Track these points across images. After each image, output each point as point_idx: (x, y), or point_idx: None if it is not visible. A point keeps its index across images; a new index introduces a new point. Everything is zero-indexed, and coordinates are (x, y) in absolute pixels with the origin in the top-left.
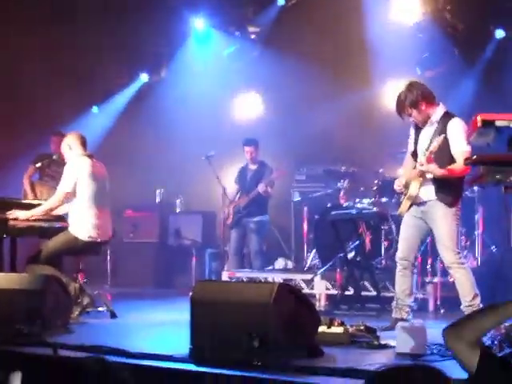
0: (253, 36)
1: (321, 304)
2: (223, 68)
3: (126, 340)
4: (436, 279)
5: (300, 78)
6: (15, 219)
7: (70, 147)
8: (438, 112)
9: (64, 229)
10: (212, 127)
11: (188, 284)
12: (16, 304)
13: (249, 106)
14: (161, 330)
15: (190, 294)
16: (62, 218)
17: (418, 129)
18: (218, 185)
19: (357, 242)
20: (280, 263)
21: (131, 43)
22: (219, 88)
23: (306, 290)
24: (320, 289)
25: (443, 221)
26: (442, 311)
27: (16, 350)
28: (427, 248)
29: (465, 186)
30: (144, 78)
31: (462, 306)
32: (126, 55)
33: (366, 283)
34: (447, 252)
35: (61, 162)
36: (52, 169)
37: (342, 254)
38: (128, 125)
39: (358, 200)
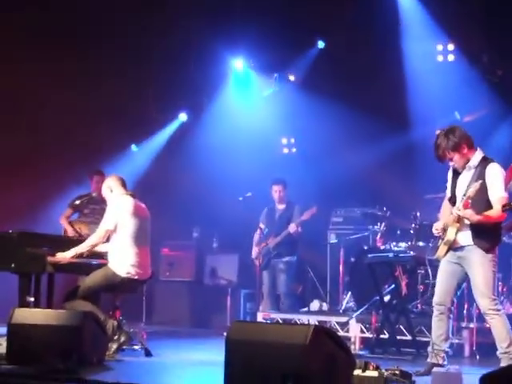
0: (292, 78)
1: (355, 347)
2: (261, 109)
3: (160, 378)
4: (472, 325)
5: (338, 120)
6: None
7: (111, 189)
8: (476, 157)
9: (101, 265)
10: (250, 167)
11: (223, 324)
12: (53, 340)
13: (286, 148)
14: (195, 369)
15: (226, 333)
16: (100, 255)
17: (456, 173)
18: (254, 225)
19: (393, 286)
20: (315, 305)
21: (172, 82)
22: (257, 129)
23: (340, 333)
24: (355, 332)
25: (480, 267)
26: (477, 357)
27: None
28: (463, 293)
29: (502, 231)
30: (183, 117)
31: (498, 353)
32: (166, 94)
33: (402, 327)
34: (483, 298)
35: (99, 200)
36: (90, 207)
37: (377, 297)
38: (166, 163)
39: (394, 243)
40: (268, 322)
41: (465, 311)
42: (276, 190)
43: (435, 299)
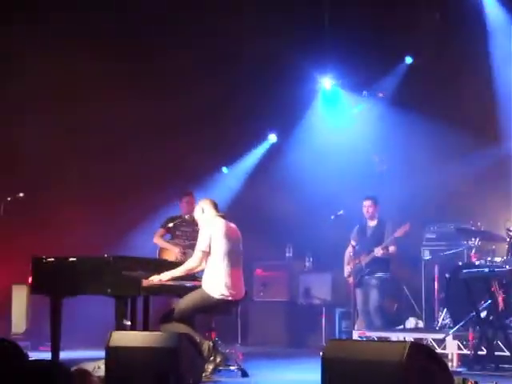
0: (381, 95)
1: (453, 364)
2: (351, 127)
3: None
4: None
5: (427, 135)
6: (146, 278)
7: (203, 210)
8: None
9: (195, 288)
10: (341, 185)
11: (318, 343)
12: (150, 362)
13: (377, 165)
14: None
15: (322, 352)
16: (194, 277)
17: None
18: (346, 243)
19: (489, 301)
20: (411, 322)
21: (261, 102)
22: (347, 147)
23: (437, 350)
24: (452, 349)
25: None
26: None
27: None
28: None
29: None
30: (273, 138)
31: None
32: (256, 114)
33: (500, 343)
34: None
35: (190, 222)
36: (181, 229)
37: (474, 313)
38: (257, 185)
39: (489, 258)
40: (364, 339)
41: None
42: (366, 205)
43: None
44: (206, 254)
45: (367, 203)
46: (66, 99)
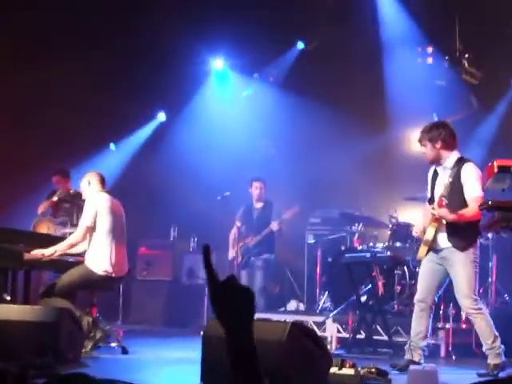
0: (271, 78)
1: (332, 347)
2: (241, 109)
3: (137, 375)
4: (448, 325)
5: (316, 121)
6: (28, 252)
7: (90, 183)
8: (451, 158)
9: (78, 263)
10: (229, 167)
11: (200, 323)
12: (29, 336)
13: (264, 148)
14: (172, 366)
15: (203, 331)
16: (78, 254)
17: (435, 176)
18: (232, 225)
19: (370, 286)
20: (292, 305)
21: (150, 81)
22: (236, 129)
23: (317, 333)
24: (332, 331)
25: (461, 267)
26: (453, 357)
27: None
28: (440, 293)
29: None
30: (162, 116)
31: (484, 349)
32: (145, 93)
33: (378, 327)
34: (465, 299)
35: (68, 200)
36: (63, 206)
37: (354, 298)
38: (144, 163)
39: (371, 244)
40: None
41: (441, 312)
42: (257, 186)
43: (417, 296)
44: (90, 229)
45: (257, 184)
46: None
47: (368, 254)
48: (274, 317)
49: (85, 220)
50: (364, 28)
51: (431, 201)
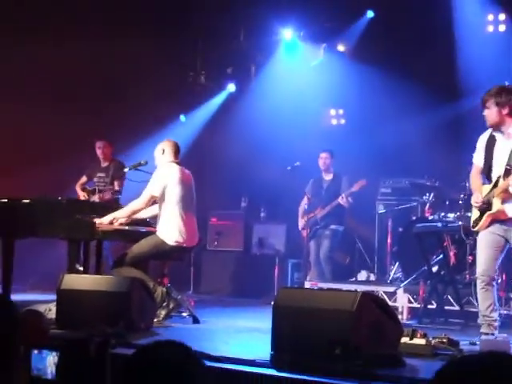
0: (340, 49)
1: (403, 317)
2: (310, 79)
3: (208, 344)
4: None
5: (386, 90)
6: (100, 224)
7: (164, 152)
8: None
9: (149, 233)
10: (298, 138)
11: (270, 293)
12: (101, 306)
13: (335, 119)
14: (243, 335)
15: (273, 300)
16: (148, 223)
17: (492, 142)
18: (302, 195)
19: (441, 256)
20: (363, 275)
21: (221, 51)
22: (306, 99)
23: (388, 303)
24: (402, 302)
25: None
26: None
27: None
28: None
29: None
30: (231, 87)
31: (479, 319)
32: (215, 64)
33: (450, 297)
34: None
35: (104, 169)
36: (98, 175)
37: (425, 268)
38: (214, 134)
39: (443, 214)
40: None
41: None
42: (322, 156)
43: (478, 270)
44: (156, 198)
45: (324, 155)
46: None
47: (439, 224)
48: (345, 287)
49: (152, 188)
50: None
51: (485, 169)
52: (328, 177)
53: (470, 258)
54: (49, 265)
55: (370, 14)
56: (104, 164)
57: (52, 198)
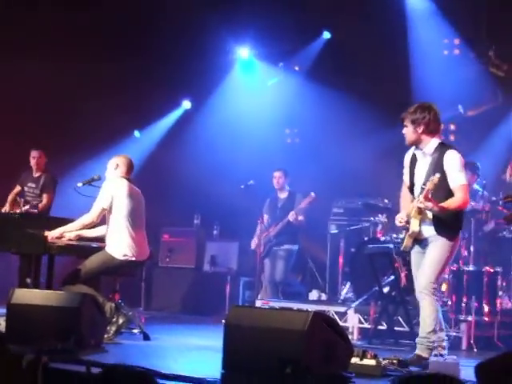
0: (296, 68)
1: (354, 337)
2: (265, 98)
3: (158, 361)
4: (470, 318)
5: (341, 111)
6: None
7: (117, 166)
8: (431, 144)
9: (101, 248)
10: (253, 156)
11: (222, 311)
12: (51, 321)
13: (289, 138)
14: (193, 353)
15: (225, 318)
16: (99, 239)
17: (414, 161)
18: (256, 214)
19: (392, 277)
20: (314, 295)
21: (176, 69)
22: (260, 117)
23: (339, 323)
24: (353, 322)
25: (434, 249)
26: (475, 350)
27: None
28: (462, 286)
29: (502, 225)
30: (187, 104)
31: (417, 338)
32: (171, 81)
33: (400, 318)
34: (423, 277)
35: (35, 178)
36: (28, 185)
37: (376, 288)
38: (169, 151)
39: (395, 235)
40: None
41: (463, 304)
42: (276, 175)
43: (416, 290)
44: (105, 212)
45: (277, 174)
46: None
47: (391, 245)
48: (296, 306)
49: (101, 201)
50: (390, 19)
51: (410, 186)
52: (283, 195)
53: None
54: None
55: (327, 34)
56: (36, 174)
57: (4, 213)
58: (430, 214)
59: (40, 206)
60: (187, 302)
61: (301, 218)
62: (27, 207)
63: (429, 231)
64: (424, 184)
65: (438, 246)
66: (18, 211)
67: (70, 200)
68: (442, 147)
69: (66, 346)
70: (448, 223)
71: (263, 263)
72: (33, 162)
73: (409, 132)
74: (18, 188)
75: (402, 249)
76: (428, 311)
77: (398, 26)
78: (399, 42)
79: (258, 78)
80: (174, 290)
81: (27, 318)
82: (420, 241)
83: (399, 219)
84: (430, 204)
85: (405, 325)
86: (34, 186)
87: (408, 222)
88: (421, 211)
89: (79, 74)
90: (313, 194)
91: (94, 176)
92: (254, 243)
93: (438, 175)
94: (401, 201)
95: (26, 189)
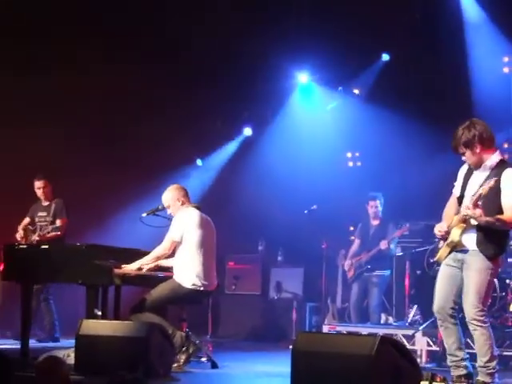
0: (356, 91)
1: (422, 360)
2: (326, 123)
3: None
4: None
5: (402, 133)
6: (118, 268)
7: (178, 200)
8: (493, 158)
9: (168, 278)
10: (315, 181)
11: (289, 337)
12: (120, 351)
13: (351, 161)
14: (262, 380)
15: (292, 345)
16: (166, 269)
17: (469, 173)
18: (319, 238)
19: None
20: (381, 318)
21: (237, 96)
22: (322, 142)
23: (407, 346)
24: (421, 345)
25: (477, 274)
26: None
27: None
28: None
29: None
30: (248, 131)
31: (477, 365)
32: (231, 108)
33: (469, 340)
34: (469, 307)
35: (44, 207)
36: (38, 214)
37: None
38: (231, 178)
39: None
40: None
41: None
42: (372, 205)
43: (434, 307)
44: (176, 243)
45: (372, 203)
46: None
47: None
48: (363, 330)
49: (173, 233)
50: (451, 40)
51: (460, 200)
52: (375, 222)
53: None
54: (67, 310)
55: (386, 56)
56: (45, 203)
57: (71, 244)
58: (473, 226)
59: (61, 231)
60: (254, 329)
61: (392, 246)
62: (40, 233)
63: (469, 243)
64: (474, 195)
65: (477, 270)
66: (33, 238)
67: (137, 229)
68: (503, 164)
69: (136, 375)
70: (491, 240)
71: (351, 286)
72: (39, 192)
73: (469, 156)
74: (26, 220)
75: (435, 259)
76: (481, 341)
77: (458, 44)
78: (459, 60)
79: (317, 102)
80: (241, 317)
81: (96, 348)
82: (457, 251)
83: (439, 228)
84: (478, 211)
85: (473, 346)
86: (45, 214)
87: (448, 233)
88: (465, 220)
89: (143, 99)
90: (407, 225)
91: (159, 206)
92: (347, 265)
93: (494, 179)
94: (444, 210)
95: (36, 219)
